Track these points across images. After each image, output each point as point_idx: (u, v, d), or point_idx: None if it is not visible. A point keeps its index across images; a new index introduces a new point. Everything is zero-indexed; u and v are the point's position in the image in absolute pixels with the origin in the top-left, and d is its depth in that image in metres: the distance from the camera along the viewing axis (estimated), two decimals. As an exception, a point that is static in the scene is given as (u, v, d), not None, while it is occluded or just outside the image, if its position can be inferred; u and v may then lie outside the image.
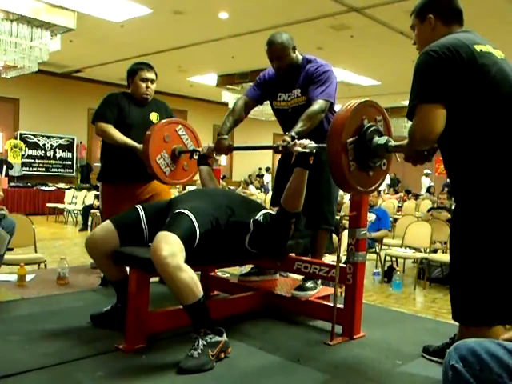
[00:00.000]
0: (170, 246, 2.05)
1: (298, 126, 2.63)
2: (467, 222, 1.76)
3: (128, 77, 3.32)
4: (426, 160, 1.99)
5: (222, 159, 15.45)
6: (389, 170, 2.40)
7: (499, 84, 1.73)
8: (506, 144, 1.69)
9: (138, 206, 2.56)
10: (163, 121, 3.28)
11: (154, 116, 3.35)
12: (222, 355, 2.16)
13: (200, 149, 3.15)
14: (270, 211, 2.58)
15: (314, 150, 2.43)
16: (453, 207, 2.02)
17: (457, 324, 2.24)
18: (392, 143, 2.08)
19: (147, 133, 3.11)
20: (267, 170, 16.63)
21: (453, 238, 1.84)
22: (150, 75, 3.28)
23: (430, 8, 1.94)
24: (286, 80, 2.94)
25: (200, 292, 2.10)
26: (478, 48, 1.76)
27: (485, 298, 1.69)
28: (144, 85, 3.26)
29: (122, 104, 3.26)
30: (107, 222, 2.46)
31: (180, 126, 3.28)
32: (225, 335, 2.19)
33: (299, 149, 2.41)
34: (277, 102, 3.02)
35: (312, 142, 2.47)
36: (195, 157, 3.15)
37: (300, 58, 2.95)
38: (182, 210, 2.24)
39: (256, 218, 2.46)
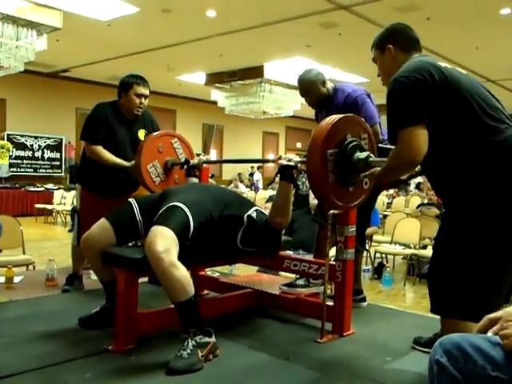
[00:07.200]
0: (164, 242, 2.05)
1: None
2: (457, 226, 1.75)
3: (120, 89, 3.22)
4: (403, 184, 1.99)
5: (212, 157, 15.39)
6: (370, 189, 2.33)
7: (471, 92, 1.76)
8: (487, 149, 1.70)
9: (131, 200, 2.56)
10: (159, 132, 3.27)
11: (141, 133, 3.32)
12: (211, 356, 2.15)
13: (192, 160, 3.15)
14: (261, 209, 2.58)
15: (299, 164, 2.40)
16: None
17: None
18: (373, 158, 2.07)
19: (142, 142, 3.13)
20: (258, 168, 16.60)
21: (443, 238, 1.84)
22: (145, 91, 3.21)
23: (388, 39, 2.02)
24: (324, 111, 2.98)
25: (192, 290, 2.09)
26: (442, 65, 1.81)
27: (467, 294, 1.70)
28: (138, 100, 3.19)
29: (111, 120, 3.20)
30: (102, 220, 2.45)
31: (176, 140, 3.29)
32: (214, 336, 2.18)
33: (283, 162, 2.39)
34: None
35: (297, 156, 2.46)
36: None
37: (331, 89, 2.96)
38: (176, 203, 2.24)
39: (249, 213, 2.47)
